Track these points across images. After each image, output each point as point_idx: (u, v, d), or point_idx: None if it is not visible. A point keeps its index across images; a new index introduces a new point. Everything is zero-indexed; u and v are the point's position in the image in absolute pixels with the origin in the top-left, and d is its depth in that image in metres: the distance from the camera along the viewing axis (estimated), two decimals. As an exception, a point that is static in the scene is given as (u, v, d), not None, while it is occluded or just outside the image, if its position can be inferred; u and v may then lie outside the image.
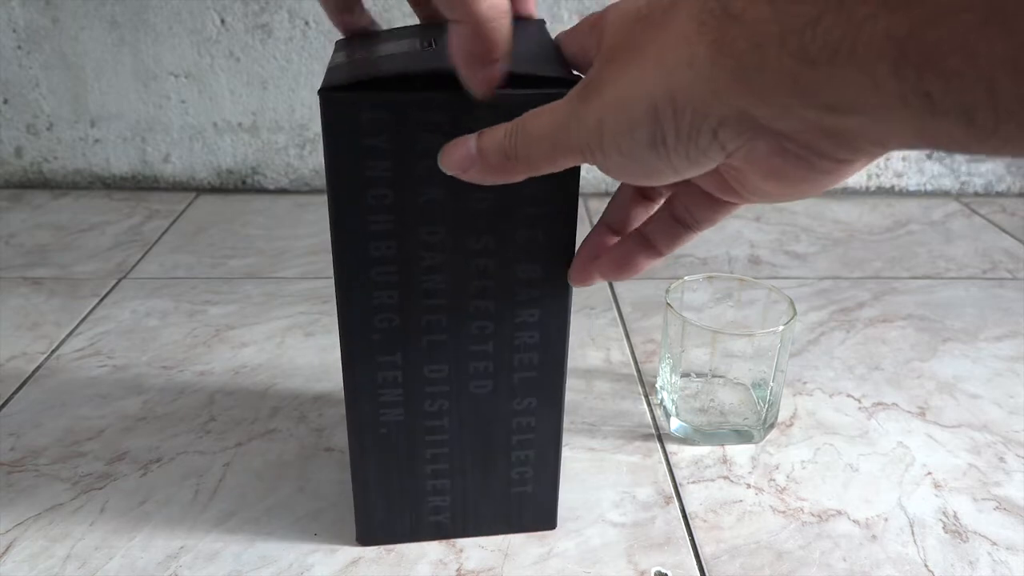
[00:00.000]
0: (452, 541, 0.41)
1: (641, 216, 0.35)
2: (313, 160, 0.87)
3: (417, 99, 0.30)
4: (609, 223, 0.35)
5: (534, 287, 0.35)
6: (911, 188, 0.91)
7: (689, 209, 0.32)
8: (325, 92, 0.30)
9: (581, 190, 0.98)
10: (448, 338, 0.36)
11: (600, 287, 0.68)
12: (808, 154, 0.23)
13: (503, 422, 0.38)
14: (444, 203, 0.33)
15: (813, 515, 0.44)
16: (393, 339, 0.35)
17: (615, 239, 0.35)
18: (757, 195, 0.28)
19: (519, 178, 0.30)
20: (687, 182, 0.30)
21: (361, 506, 0.39)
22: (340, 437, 0.48)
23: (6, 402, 0.51)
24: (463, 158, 0.30)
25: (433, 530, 0.41)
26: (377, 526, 0.40)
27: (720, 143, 0.24)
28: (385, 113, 0.30)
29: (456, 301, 0.35)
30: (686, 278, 0.52)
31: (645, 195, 0.34)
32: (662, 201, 0.34)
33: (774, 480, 0.46)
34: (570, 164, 0.29)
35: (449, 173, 0.30)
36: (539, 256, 0.35)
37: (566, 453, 0.48)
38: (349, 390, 0.36)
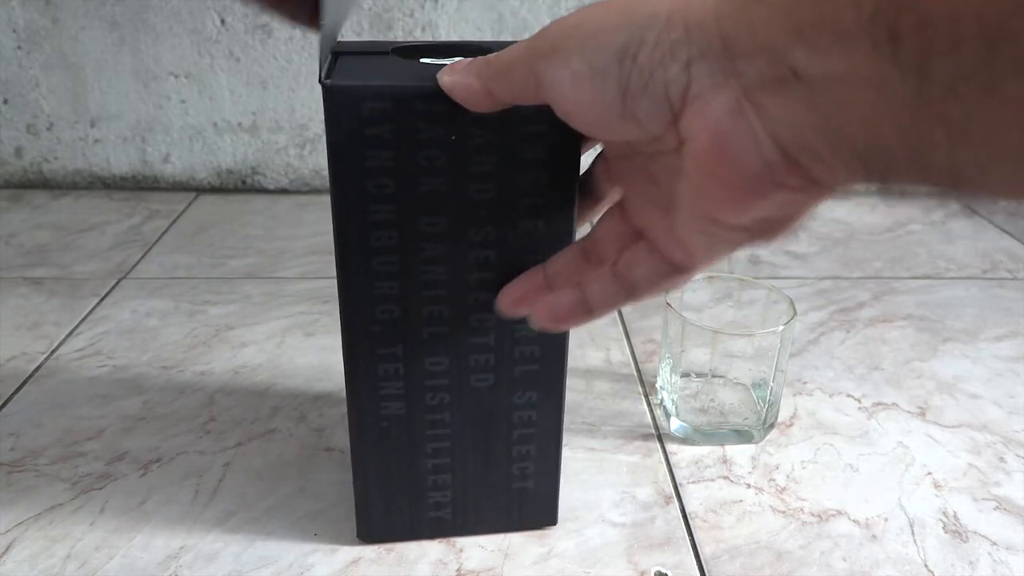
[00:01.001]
0: (452, 541, 0.41)
1: (583, 274, 0.34)
2: (313, 160, 0.87)
3: (420, 89, 0.30)
4: (549, 273, 0.35)
5: None
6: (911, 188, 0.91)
7: (633, 268, 0.31)
8: (329, 82, 0.30)
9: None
10: (449, 330, 0.36)
11: (600, 287, 0.68)
12: (759, 131, 0.23)
13: (504, 416, 0.38)
14: (444, 193, 0.33)
15: (813, 515, 0.44)
16: (394, 331, 0.35)
17: (547, 289, 0.34)
18: (697, 223, 0.27)
19: (485, 105, 0.29)
20: (633, 240, 0.31)
21: (362, 502, 0.39)
22: (340, 437, 0.48)
23: (6, 402, 0.51)
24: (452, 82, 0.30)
25: (434, 526, 0.41)
26: (377, 522, 0.40)
27: (688, 78, 0.23)
28: (388, 103, 0.30)
29: (456, 292, 0.35)
30: (686, 278, 0.52)
31: (591, 255, 0.34)
32: (608, 264, 0.33)
33: (774, 480, 0.46)
34: (526, 83, 0.27)
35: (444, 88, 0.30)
36: (540, 247, 0.34)
37: (566, 453, 0.48)
38: (350, 383, 0.36)
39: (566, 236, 0.35)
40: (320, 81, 0.31)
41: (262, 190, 0.88)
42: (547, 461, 0.40)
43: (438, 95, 0.30)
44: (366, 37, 0.80)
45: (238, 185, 0.88)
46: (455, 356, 0.36)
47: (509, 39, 0.82)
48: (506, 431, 0.39)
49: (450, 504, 0.40)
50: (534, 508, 0.41)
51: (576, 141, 0.33)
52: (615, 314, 0.64)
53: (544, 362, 0.37)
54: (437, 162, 0.32)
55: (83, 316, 0.62)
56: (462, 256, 0.34)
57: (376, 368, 0.36)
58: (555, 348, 0.37)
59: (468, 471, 0.39)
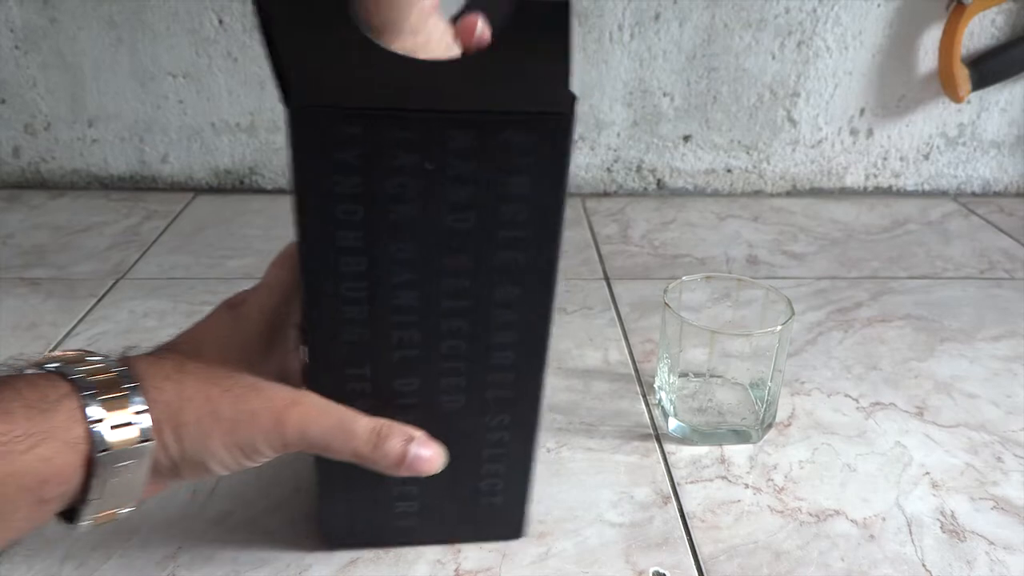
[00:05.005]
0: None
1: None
2: (311, 160, 0.87)
3: (390, 115, 0.29)
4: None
5: (512, 309, 0.34)
6: (909, 188, 0.92)
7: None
8: (296, 105, 0.29)
9: (580, 190, 0.97)
10: (419, 353, 0.35)
11: (597, 287, 0.68)
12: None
13: (475, 436, 0.37)
14: (416, 221, 0.32)
15: (811, 515, 0.44)
16: (362, 352, 0.34)
17: None
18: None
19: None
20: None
21: (327, 513, 0.39)
22: (338, 437, 0.48)
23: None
24: None
25: (399, 535, 0.40)
26: (342, 531, 0.40)
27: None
28: (357, 128, 0.29)
29: (428, 318, 0.34)
30: (684, 278, 0.52)
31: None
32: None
33: (772, 480, 0.46)
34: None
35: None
36: (518, 279, 0.33)
37: (564, 453, 0.48)
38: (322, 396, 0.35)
39: (548, 269, 0.34)
40: (283, 100, 0.29)
41: (260, 190, 0.88)
42: (517, 479, 0.39)
43: (410, 120, 0.29)
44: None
45: (236, 185, 0.88)
46: (425, 377, 0.35)
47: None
48: (476, 451, 0.38)
49: (416, 515, 0.40)
50: (501, 522, 0.41)
51: (563, 175, 0.32)
52: (613, 314, 0.64)
53: (518, 388, 0.36)
54: (409, 190, 0.31)
55: (80, 316, 0.62)
56: (435, 283, 0.33)
57: (344, 386, 0.35)
58: (530, 375, 0.36)
59: (436, 486, 0.37)
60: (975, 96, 0.86)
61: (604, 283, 0.69)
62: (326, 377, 0.35)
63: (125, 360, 0.32)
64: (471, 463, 0.38)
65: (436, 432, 0.36)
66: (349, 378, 0.35)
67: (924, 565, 0.40)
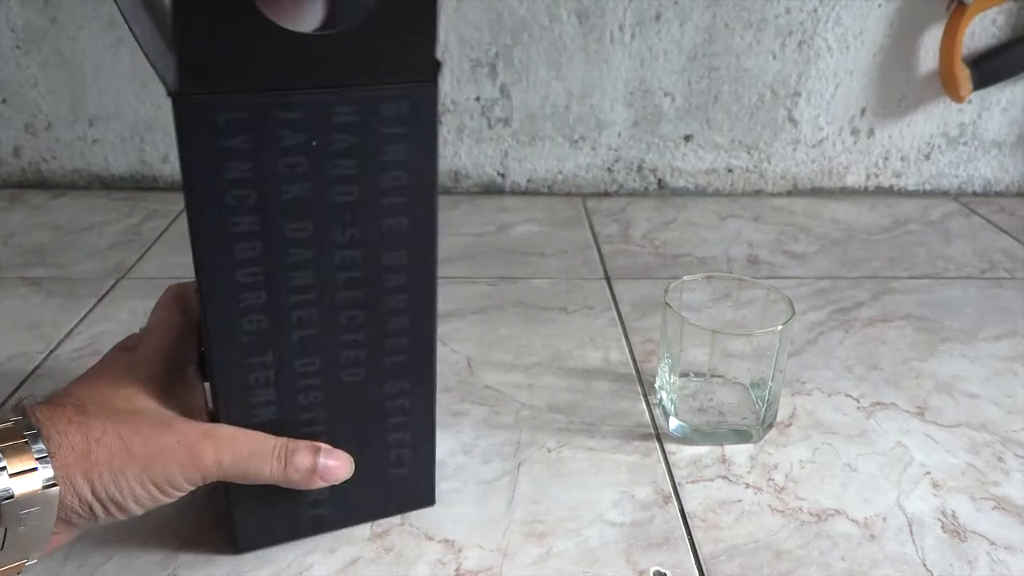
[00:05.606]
0: (451, 541, 0.41)
1: None
2: (312, 160, 0.87)
3: (276, 100, 0.30)
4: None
5: (401, 272, 0.36)
6: (910, 188, 0.92)
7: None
8: (179, 96, 0.29)
9: (580, 189, 0.97)
10: (319, 331, 0.36)
11: (598, 287, 0.68)
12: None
13: (377, 407, 0.39)
14: (308, 199, 0.33)
15: (812, 515, 0.44)
16: (263, 339, 0.35)
17: None
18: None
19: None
20: None
21: (239, 512, 0.39)
22: (339, 437, 0.48)
23: (4, 402, 0.51)
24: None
25: (314, 524, 0.41)
26: (256, 530, 0.40)
27: None
28: (244, 114, 0.30)
29: (325, 294, 0.35)
30: (685, 278, 0.52)
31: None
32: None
33: (773, 480, 0.46)
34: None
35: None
36: (404, 243, 0.35)
37: (565, 453, 0.48)
38: (220, 396, 0.36)
39: (429, 229, 0.35)
40: (168, 93, 0.29)
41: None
42: (422, 446, 0.41)
43: (296, 103, 0.30)
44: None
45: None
46: (326, 355, 0.36)
47: (508, 39, 0.82)
48: (380, 421, 0.39)
49: (328, 500, 0.40)
50: (411, 491, 0.42)
51: (434, 140, 0.34)
52: (614, 314, 0.64)
53: (413, 351, 0.38)
54: (298, 168, 0.32)
55: (81, 316, 0.62)
56: (329, 258, 0.34)
57: (247, 378, 0.35)
58: (423, 336, 0.38)
59: None
60: (976, 96, 0.86)
61: (605, 283, 0.69)
62: (228, 373, 0.35)
63: (22, 410, 0.32)
64: (377, 436, 0.40)
65: (341, 410, 0.38)
66: (252, 367, 0.35)
67: (925, 565, 0.40)
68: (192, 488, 0.34)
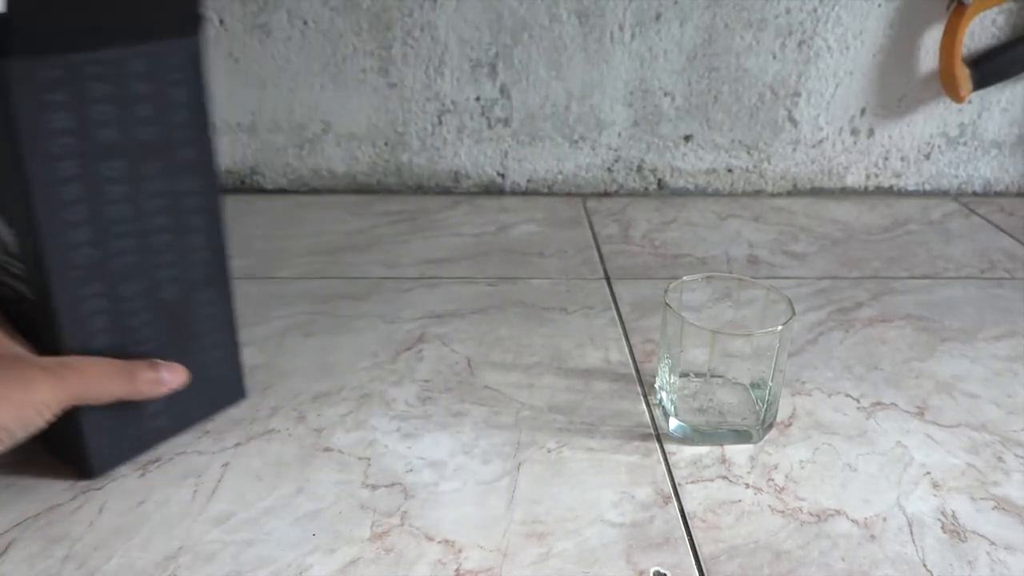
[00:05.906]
0: (452, 541, 0.41)
1: None
2: (312, 160, 0.87)
3: (85, 58, 0.37)
4: None
5: (197, 196, 0.44)
6: (910, 188, 0.92)
7: None
8: (6, 60, 0.34)
9: (580, 189, 0.97)
10: (139, 257, 0.42)
11: (598, 287, 0.68)
12: None
13: (194, 317, 0.46)
14: (118, 141, 0.39)
15: (812, 515, 0.44)
16: (93, 271, 0.40)
17: None
18: None
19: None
20: None
21: (92, 436, 0.43)
22: (340, 437, 0.49)
23: None
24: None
25: (155, 436, 0.46)
26: (108, 455, 0.44)
27: None
28: (60, 72, 0.36)
29: (140, 223, 0.41)
30: (685, 278, 0.52)
31: None
32: None
33: (773, 480, 0.46)
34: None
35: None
36: (196, 170, 0.43)
37: (565, 453, 0.48)
38: (63, 330, 0.40)
39: (211, 156, 0.44)
40: None
41: (261, 190, 0.88)
42: (230, 345, 0.49)
43: (102, 58, 0.37)
44: (365, 37, 0.80)
45: (237, 185, 0.88)
46: (147, 277, 0.43)
47: (508, 39, 0.82)
48: (198, 330, 0.46)
49: (165, 411, 0.46)
50: (228, 389, 0.50)
51: (206, 83, 0.42)
52: (614, 314, 0.64)
53: (214, 263, 0.46)
54: (108, 115, 0.38)
55: None
56: (140, 190, 0.41)
57: (82, 306, 0.40)
58: (220, 247, 0.46)
59: None
60: (976, 96, 0.86)
61: (605, 283, 0.69)
62: (66, 305, 0.39)
63: None
64: (195, 344, 0.46)
65: (165, 326, 0.44)
66: (87, 297, 0.40)
67: (925, 565, 0.40)
68: (58, 411, 0.39)
